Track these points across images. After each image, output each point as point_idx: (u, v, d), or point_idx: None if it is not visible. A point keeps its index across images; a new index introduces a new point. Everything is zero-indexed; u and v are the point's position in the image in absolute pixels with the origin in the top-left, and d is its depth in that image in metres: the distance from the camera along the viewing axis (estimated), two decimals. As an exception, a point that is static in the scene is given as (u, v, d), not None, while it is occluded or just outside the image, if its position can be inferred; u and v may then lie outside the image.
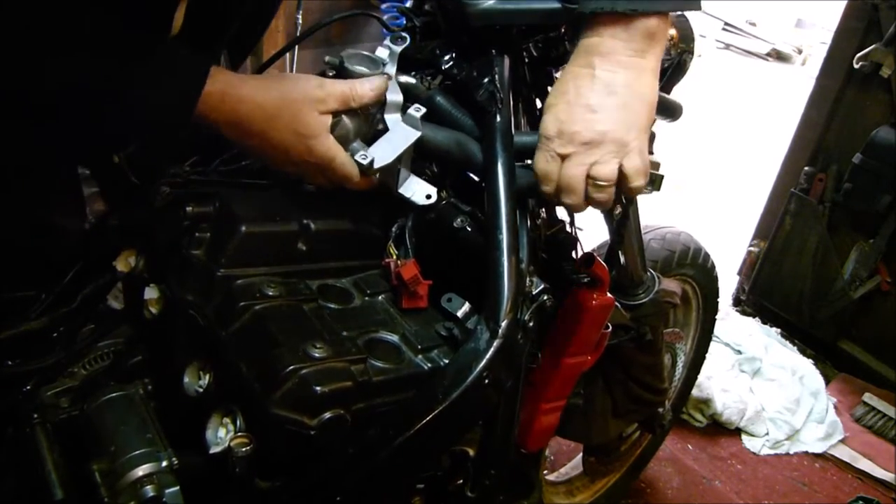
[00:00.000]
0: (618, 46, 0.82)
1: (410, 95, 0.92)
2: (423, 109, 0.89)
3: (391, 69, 0.90)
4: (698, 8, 0.88)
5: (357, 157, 0.84)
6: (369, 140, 0.87)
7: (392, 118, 0.88)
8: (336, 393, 0.72)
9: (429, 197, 0.91)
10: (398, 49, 0.92)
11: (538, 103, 1.10)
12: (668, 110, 1.14)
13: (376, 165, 0.84)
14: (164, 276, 0.85)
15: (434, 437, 0.78)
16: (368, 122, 0.87)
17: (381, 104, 0.87)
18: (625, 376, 1.28)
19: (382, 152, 0.85)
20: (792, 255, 2.71)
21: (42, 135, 0.72)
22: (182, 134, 0.76)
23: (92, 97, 0.69)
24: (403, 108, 0.89)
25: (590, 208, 0.90)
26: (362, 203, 0.91)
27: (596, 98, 0.82)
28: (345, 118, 0.84)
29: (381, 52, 0.91)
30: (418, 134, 0.87)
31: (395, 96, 0.88)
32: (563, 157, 0.84)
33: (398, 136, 0.87)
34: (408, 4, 1.10)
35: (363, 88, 0.84)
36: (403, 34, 0.94)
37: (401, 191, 0.91)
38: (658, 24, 0.82)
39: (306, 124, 0.80)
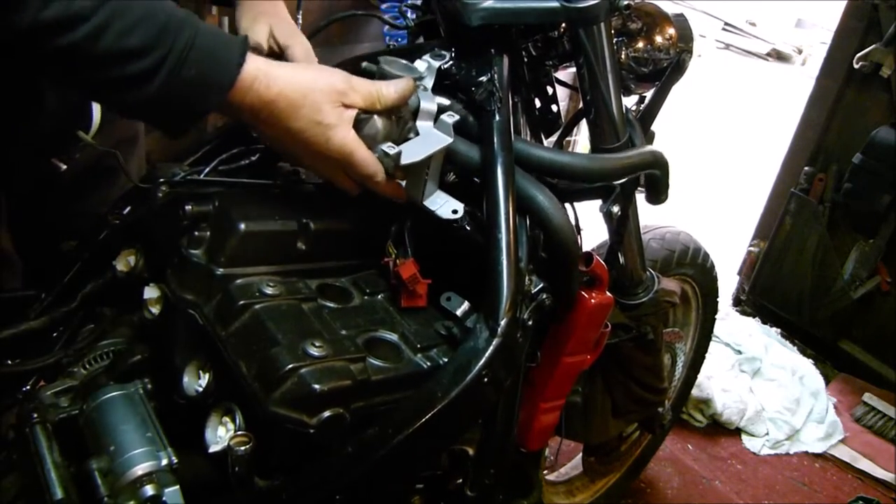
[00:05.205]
0: None
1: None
2: (457, 117, 0.88)
3: (429, 82, 0.89)
4: None
5: (384, 147, 0.81)
6: (398, 144, 0.85)
7: (424, 126, 0.87)
8: (335, 391, 0.72)
9: (455, 212, 0.87)
10: (436, 64, 0.92)
11: (538, 103, 1.10)
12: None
13: (403, 161, 0.82)
14: (163, 275, 0.85)
15: (433, 436, 0.78)
16: (399, 127, 0.86)
17: (413, 110, 0.86)
18: (624, 376, 1.28)
19: (411, 151, 0.83)
20: (792, 255, 2.71)
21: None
22: (202, 119, 0.74)
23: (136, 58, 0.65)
24: (436, 118, 0.87)
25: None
26: (362, 203, 0.91)
27: None
28: (375, 118, 0.82)
29: (420, 66, 0.90)
30: (449, 140, 0.86)
31: (429, 104, 0.87)
32: None
33: (428, 140, 0.85)
34: (415, 2, 1.10)
35: (388, 90, 0.83)
36: (443, 51, 0.94)
37: (426, 203, 0.88)
38: None
39: (326, 114, 0.79)
